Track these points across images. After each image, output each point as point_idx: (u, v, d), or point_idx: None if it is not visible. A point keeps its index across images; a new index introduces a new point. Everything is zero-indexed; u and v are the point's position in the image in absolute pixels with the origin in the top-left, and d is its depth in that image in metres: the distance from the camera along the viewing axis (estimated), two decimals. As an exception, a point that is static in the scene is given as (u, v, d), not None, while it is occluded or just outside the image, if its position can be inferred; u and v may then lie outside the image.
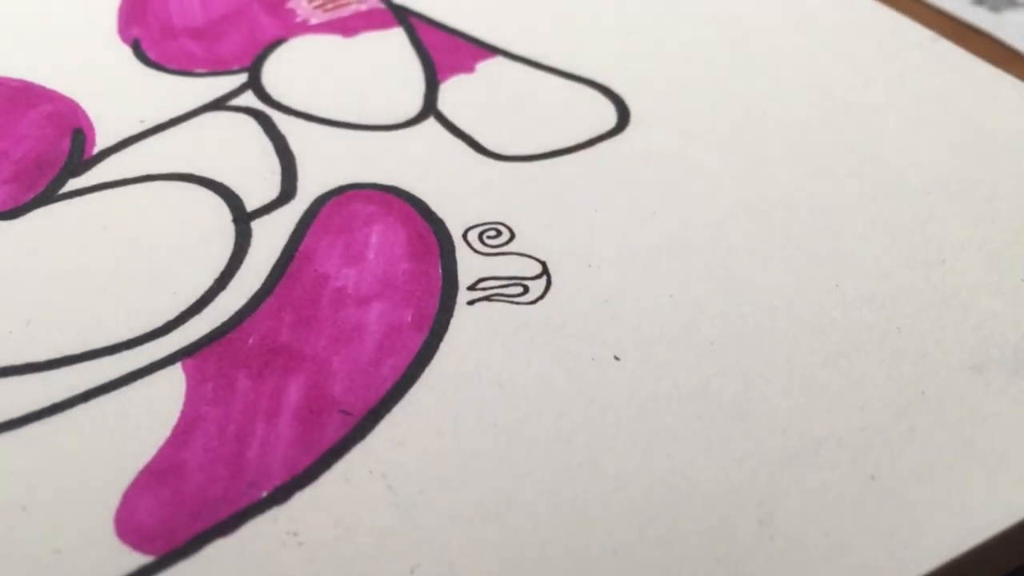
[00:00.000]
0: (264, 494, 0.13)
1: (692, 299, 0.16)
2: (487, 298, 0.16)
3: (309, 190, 0.18)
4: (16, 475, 0.13)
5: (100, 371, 0.14)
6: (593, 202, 0.18)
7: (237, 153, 0.19)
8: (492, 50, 0.22)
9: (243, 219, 0.17)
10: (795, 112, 0.21)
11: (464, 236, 0.17)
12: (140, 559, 0.12)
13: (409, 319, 0.16)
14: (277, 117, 0.20)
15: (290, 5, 0.23)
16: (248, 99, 0.20)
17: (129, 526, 0.12)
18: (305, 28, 0.22)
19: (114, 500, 0.13)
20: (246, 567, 0.12)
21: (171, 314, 0.15)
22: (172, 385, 0.14)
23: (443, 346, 0.15)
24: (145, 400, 0.14)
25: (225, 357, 0.15)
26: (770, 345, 0.15)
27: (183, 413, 0.14)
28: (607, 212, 0.18)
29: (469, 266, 0.17)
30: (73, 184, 0.18)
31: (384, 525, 0.13)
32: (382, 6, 0.23)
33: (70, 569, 0.12)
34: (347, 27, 0.22)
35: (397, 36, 0.22)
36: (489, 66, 0.22)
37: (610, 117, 0.20)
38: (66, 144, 0.18)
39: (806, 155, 0.19)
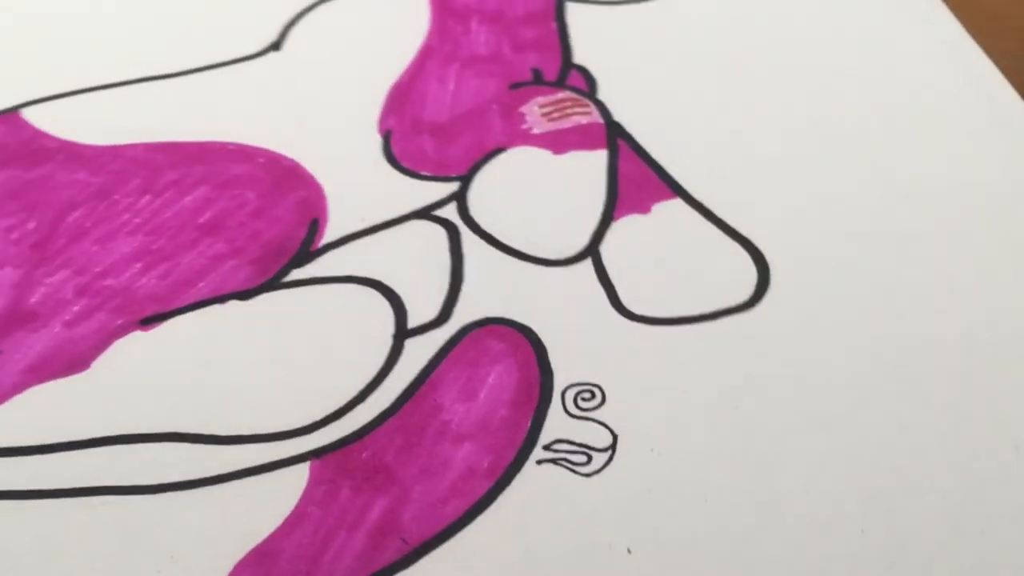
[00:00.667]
0: (321, 596, 0.18)
1: (726, 507, 0.19)
2: (554, 460, 0.20)
3: (462, 316, 0.22)
4: (169, 528, 0.19)
5: (251, 454, 0.20)
6: (692, 383, 0.21)
7: (421, 267, 0.23)
8: (675, 190, 0.24)
9: (401, 335, 0.22)
10: (935, 301, 0.22)
11: (563, 393, 0.21)
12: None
13: (485, 465, 0.20)
14: (465, 234, 0.24)
15: (523, 109, 0.26)
16: (450, 211, 0.24)
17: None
18: (526, 137, 0.26)
19: (225, 570, 0.18)
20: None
21: (318, 416, 0.20)
22: (297, 480, 0.19)
23: (500, 500, 0.19)
24: (274, 489, 0.19)
25: (342, 465, 0.20)
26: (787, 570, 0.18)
27: (296, 508, 0.19)
28: (697, 396, 0.21)
29: (554, 424, 0.20)
30: (294, 274, 0.23)
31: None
32: (601, 122, 0.26)
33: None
34: (561, 142, 0.26)
35: (599, 160, 0.25)
36: (665, 208, 0.24)
37: (748, 288, 0.22)
38: (302, 232, 0.24)
39: (931, 351, 0.21)
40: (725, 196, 0.24)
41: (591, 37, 0.28)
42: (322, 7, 0.29)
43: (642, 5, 0.29)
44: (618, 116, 0.26)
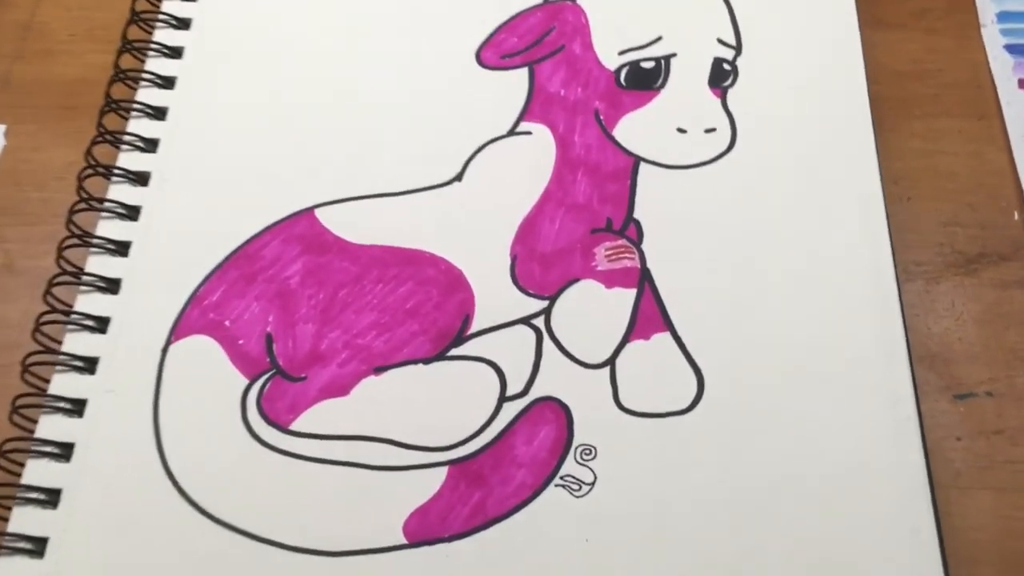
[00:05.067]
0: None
1: (649, 513, 0.39)
2: (563, 486, 0.41)
3: (535, 392, 0.42)
4: (381, 490, 0.41)
5: (422, 456, 0.42)
6: (645, 452, 0.41)
7: (519, 356, 0.43)
8: (667, 325, 0.43)
9: (502, 400, 0.42)
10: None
11: (576, 448, 0.41)
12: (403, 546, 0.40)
13: (530, 483, 0.41)
14: (545, 338, 0.43)
15: (595, 250, 0.45)
16: (539, 321, 0.44)
17: (407, 531, 0.40)
18: (592, 273, 0.45)
19: (404, 516, 0.40)
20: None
21: (455, 440, 0.42)
22: (441, 474, 0.41)
23: (535, 501, 0.40)
24: (430, 477, 0.41)
25: (463, 471, 0.41)
26: None
27: (439, 489, 0.41)
28: (647, 457, 0.40)
29: (567, 465, 0.41)
30: (453, 352, 0.44)
31: None
32: (638, 267, 0.45)
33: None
34: (611, 279, 0.44)
35: (629, 297, 0.44)
36: (659, 338, 0.43)
37: (689, 398, 0.42)
38: (458, 324, 0.44)
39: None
40: (697, 333, 0.43)
41: (650, 194, 0.46)
42: (490, 146, 0.48)
43: (697, 169, 0.46)
44: (650, 263, 0.44)
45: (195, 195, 0.47)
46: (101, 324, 0.44)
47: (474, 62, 0.49)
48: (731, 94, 0.47)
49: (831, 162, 0.45)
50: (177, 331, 0.43)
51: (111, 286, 0.45)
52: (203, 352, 0.43)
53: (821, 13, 0.48)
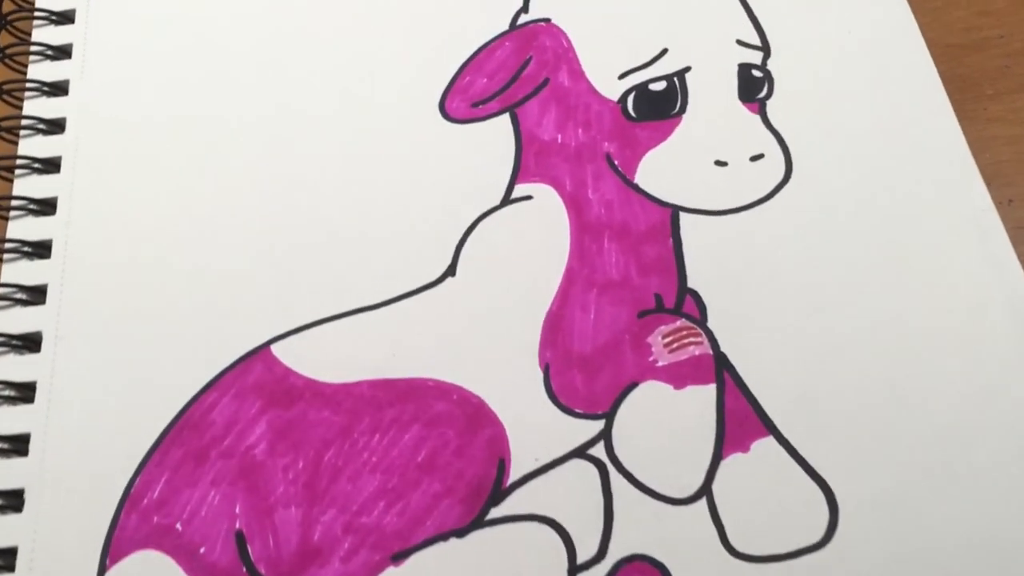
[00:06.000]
0: None
1: None
2: None
3: (614, 552, 0.31)
4: None
5: None
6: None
7: (583, 503, 0.32)
8: (768, 427, 0.32)
9: (573, 571, 0.31)
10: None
11: None
12: None
13: None
14: (612, 472, 0.32)
15: (649, 340, 0.34)
16: (599, 449, 0.33)
17: None
18: (653, 371, 0.34)
19: None
20: None
21: None
22: None
23: None
24: None
25: None
26: None
27: None
28: None
29: None
30: (493, 512, 0.32)
31: None
32: (710, 353, 0.34)
33: None
34: (679, 375, 0.33)
35: (709, 396, 0.33)
36: (760, 446, 0.32)
37: (819, 529, 0.31)
38: (493, 472, 0.33)
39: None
40: (808, 429, 0.32)
41: (702, 254, 0.35)
42: (483, 224, 0.36)
43: (753, 211, 0.35)
44: (724, 345, 0.34)
45: (104, 353, 0.35)
46: (4, 559, 0.31)
47: (439, 116, 0.38)
48: (771, 106, 0.37)
49: (917, 174, 0.35)
50: (112, 551, 0.32)
51: (12, 501, 0.32)
52: (153, 574, 0.31)
53: (856, -12, 0.38)
